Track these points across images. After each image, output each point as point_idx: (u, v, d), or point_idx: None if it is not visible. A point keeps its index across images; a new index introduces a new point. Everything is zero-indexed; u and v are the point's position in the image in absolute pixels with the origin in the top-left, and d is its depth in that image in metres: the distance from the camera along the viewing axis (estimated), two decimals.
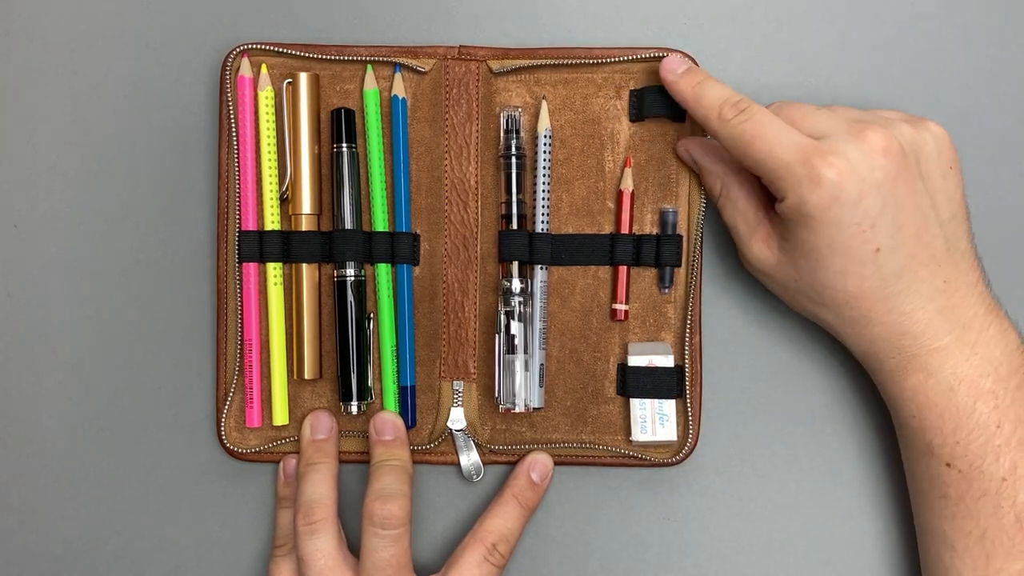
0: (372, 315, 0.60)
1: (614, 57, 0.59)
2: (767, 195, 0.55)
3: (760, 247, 0.55)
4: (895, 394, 0.54)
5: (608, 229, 0.60)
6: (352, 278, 0.59)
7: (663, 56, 0.58)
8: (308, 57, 0.59)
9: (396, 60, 0.59)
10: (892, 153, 0.51)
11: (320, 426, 0.59)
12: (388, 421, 0.59)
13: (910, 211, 0.51)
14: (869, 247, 0.51)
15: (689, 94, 0.56)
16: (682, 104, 0.56)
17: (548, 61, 0.59)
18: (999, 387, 0.52)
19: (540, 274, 0.59)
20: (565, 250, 0.60)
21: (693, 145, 0.58)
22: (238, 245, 0.59)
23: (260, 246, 0.59)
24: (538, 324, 0.59)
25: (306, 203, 0.59)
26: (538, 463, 0.59)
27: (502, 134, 0.59)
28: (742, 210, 0.56)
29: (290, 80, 0.59)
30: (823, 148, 0.51)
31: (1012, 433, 0.51)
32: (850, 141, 0.51)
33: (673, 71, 0.57)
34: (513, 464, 0.60)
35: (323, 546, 0.55)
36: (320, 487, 0.57)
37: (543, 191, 0.59)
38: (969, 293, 0.53)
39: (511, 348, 0.58)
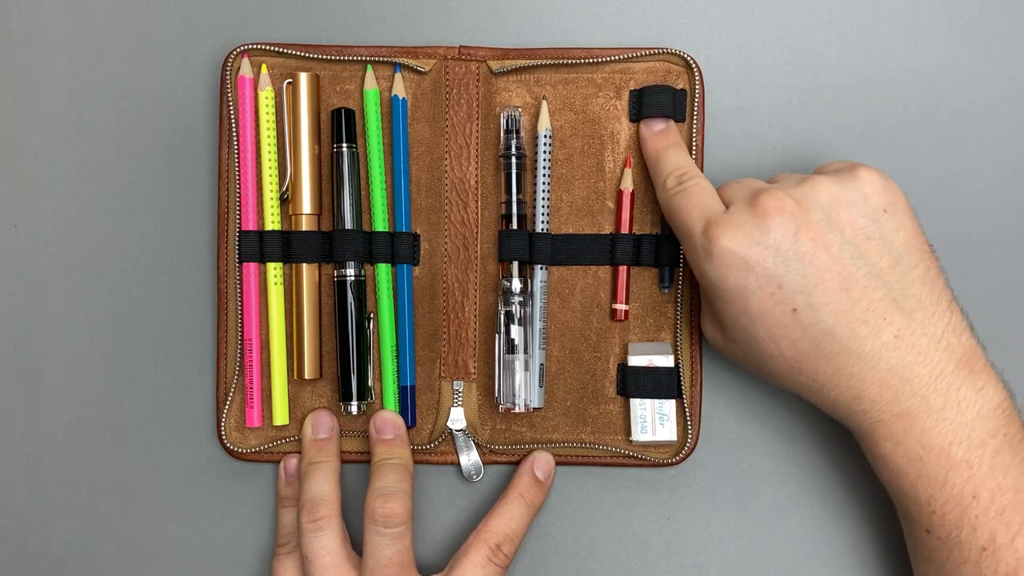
0: (372, 315, 0.60)
1: (614, 57, 0.59)
2: None
3: (708, 327, 0.56)
4: (871, 459, 0.52)
5: (608, 229, 0.60)
6: (352, 278, 0.59)
7: (663, 52, 0.58)
8: (308, 57, 0.59)
9: (396, 60, 0.59)
10: (786, 212, 0.49)
11: (321, 425, 0.59)
12: (388, 420, 0.59)
13: (824, 264, 0.49)
14: (784, 308, 0.49)
15: (652, 155, 0.57)
16: (645, 159, 0.58)
17: (548, 61, 0.59)
18: (973, 455, 0.48)
19: (540, 274, 0.59)
20: (565, 250, 0.60)
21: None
22: (238, 245, 0.59)
23: (260, 246, 0.59)
24: (538, 324, 0.59)
25: (306, 203, 0.59)
26: (540, 461, 0.59)
27: (502, 134, 0.59)
28: (702, 289, 0.55)
29: (290, 80, 0.59)
30: (719, 218, 0.50)
31: (990, 503, 0.48)
32: (744, 208, 0.50)
33: (650, 127, 0.58)
34: (513, 464, 0.60)
35: (328, 543, 0.55)
36: (324, 485, 0.57)
37: (543, 191, 0.59)
38: (931, 348, 0.49)
39: (511, 348, 0.58)
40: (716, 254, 0.50)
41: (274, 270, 0.59)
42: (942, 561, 0.50)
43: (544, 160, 0.59)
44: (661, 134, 0.58)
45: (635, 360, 0.59)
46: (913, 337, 0.49)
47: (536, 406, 0.59)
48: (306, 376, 0.59)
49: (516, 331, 0.58)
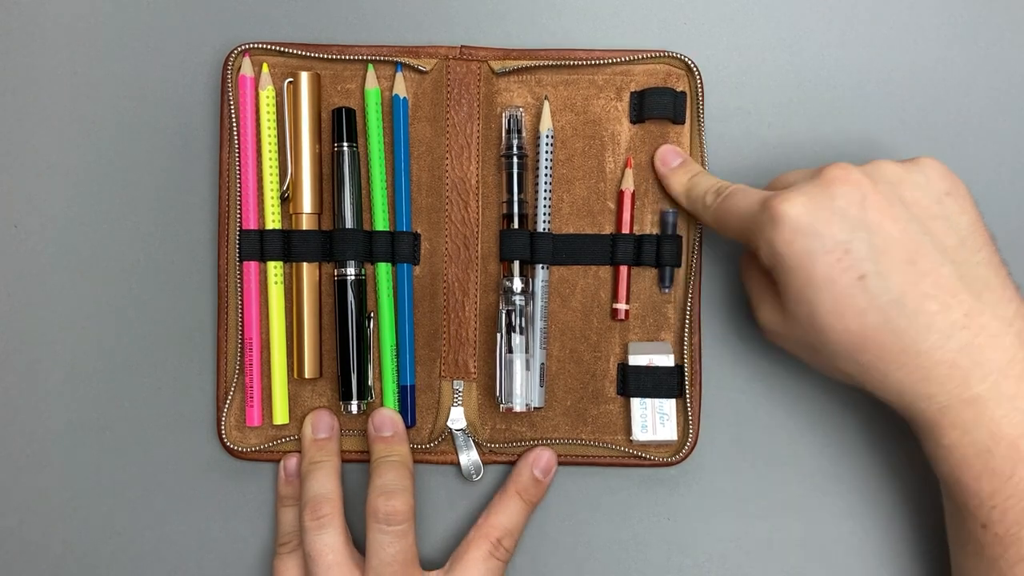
0: (372, 314, 0.60)
1: (615, 59, 0.59)
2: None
3: (768, 312, 0.54)
4: (931, 451, 0.50)
5: (609, 229, 0.60)
6: (352, 277, 0.59)
7: (664, 55, 0.58)
8: (309, 56, 0.59)
9: (397, 60, 0.59)
10: (852, 181, 0.49)
11: (322, 425, 0.59)
12: (387, 417, 0.59)
13: (891, 235, 0.48)
14: (851, 275, 0.47)
15: (681, 191, 0.57)
16: (674, 198, 0.58)
17: (549, 62, 0.59)
18: None
19: (541, 274, 0.59)
20: (566, 250, 0.60)
21: (746, 262, 0.58)
22: (239, 244, 0.59)
23: (261, 245, 0.59)
24: (539, 323, 0.59)
25: (307, 202, 0.59)
26: (542, 459, 0.59)
27: (504, 134, 0.59)
28: (754, 279, 0.55)
29: (291, 79, 0.59)
30: (783, 193, 0.50)
31: None
32: (808, 180, 0.50)
33: (667, 164, 0.58)
34: (513, 464, 0.60)
35: (331, 541, 0.55)
36: (326, 483, 0.57)
37: (544, 191, 0.59)
38: (1002, 331, 0.47)
39: (511, 347, 0.58)
40: (781, 220, 0.48)
41: (274, 269, 0.59)
42: (995, 558, 0.48)
43: (546, 160, 0.59)
44: (682, 168, 0.58)
45: (635, 360, 0.59)
46: (983, 318, 0.47)
47: (536, 406, 0.59)
48: (306, 375, 0.59)
49: (517, 331, 0.58)
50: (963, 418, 0.47)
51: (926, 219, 0.49)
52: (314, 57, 0.59)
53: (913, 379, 0.48)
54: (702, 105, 0.59)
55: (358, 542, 0.58)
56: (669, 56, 0.59)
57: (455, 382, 0.60)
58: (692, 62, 0.59)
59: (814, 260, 0.48)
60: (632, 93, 0.59)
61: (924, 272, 0.47)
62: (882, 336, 0.48)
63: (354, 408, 0.59)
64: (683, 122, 0.59)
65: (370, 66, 0.60)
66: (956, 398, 0.47)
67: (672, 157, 0.58)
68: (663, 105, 0.59)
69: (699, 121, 0.59)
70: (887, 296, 0.47)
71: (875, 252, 0.47)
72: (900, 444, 0.60)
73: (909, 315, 0.47)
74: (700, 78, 0.59)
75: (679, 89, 0.59)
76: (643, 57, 0.59)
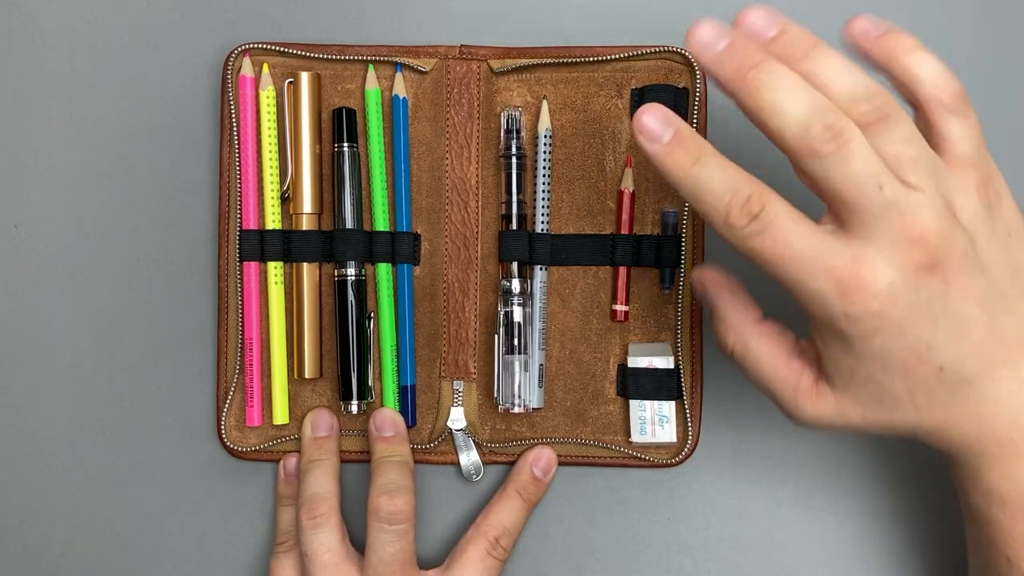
0: (372, 314, 0.60)
1: (615, 56, 0.59)
2: (793, 337, 0.48)
3: (811, 402, 0.46)
4: (966, 487, 0.48)
5: (609, 229, 0.60)
6: (353, 277, 0.59)
7: (665, 51, 0.58)
8: (309, 57, 0.59)
9: (397, 60, 0.59)
10: (938, 265, 0.42)
11: (321, 424, 0.59)
12: (388, 417, 0.59)
13: (971, 316, 0.43)
14: (930, 367, 0.44)
15: (685, 182, 0.42)
16: (675, 188, 0.43)
17: (549, 60, 0.59)
18: None
19: (540, 274, 0.59)
20: (565, 250, 0.60)
21: (710, 278, 0.49)
22: (239, 244, 0.59)
23: (261, 245, 0.59)
24: (537, 324, 0.59)
25: (307, 202, 0.59)
26: (542, 458, 0.59)
27: (503, 134, 0.59)
28: (770, 366, 0.47)
29: (291, 80, 0.59)
30: (860, 278, 0.42)
31: None
32: (884, 247, 0.42)
33: (655, 138, 0.42)
34: (513, 464, 0.60)
35: (327, 540, 0.55)
36: (323, 482, 0.57)
37: (543, 191, 0.59)
38: None
39: (510, 348, 0.58)
40: (862, 319, 0.42)
41: (275, 269, 0.59)
42: None
43: (544, 160, 0.59)
44: (677, 146, 0.42)
45: (635, 361, 0.59)
46: None
47: (535, 406, 0.59)
48: (306, 375, 0.59)
49: (515, 331, 0.58)
50: (1014, 470, 0.45)
51: (998, 275, 0.44)
52: (314, 57, 0.59)
53: (968, 438, 0.46)
54: (704, 101, 0.59)
55: (357, 541, 0.58)
56: (670, 52, 0.59)
57: (455, 382, 0.60)
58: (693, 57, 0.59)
59: (891, 354, 0.43)
60: (633, 90, 0.59)
61: (998, 342, 0.44)
62: (947, 408, 0.45)
63: (354, 408, 0.59)
64: (685, 119, 0.59)
65: (370, 66, 0.60)
66: (1012, 451, 0.45)
67: (659, 128, 0.42)
68: (664, 102, 0.57)
69: (703, 116, 0.59)
70: (961, 379, 0.44)
71: (955, 340, 0.43)
72: (900, 444, 0.59)
73: (979, 389, 0.45)
74: (703, 73, 0.59)
75: (680, 85, 0.59)
76: (644, 53, 0.59)
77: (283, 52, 0.59)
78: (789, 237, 0.42)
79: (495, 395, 0.59)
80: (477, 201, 0.59)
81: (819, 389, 0.46)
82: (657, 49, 0.59)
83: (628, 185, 0.59)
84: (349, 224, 0.59)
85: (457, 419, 0.60)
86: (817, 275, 0.42)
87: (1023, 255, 0.46)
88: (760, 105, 0.42)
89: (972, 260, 0.43)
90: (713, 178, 0.42)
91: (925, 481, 0.60)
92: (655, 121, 0.42)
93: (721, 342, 0.49)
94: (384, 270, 0.59)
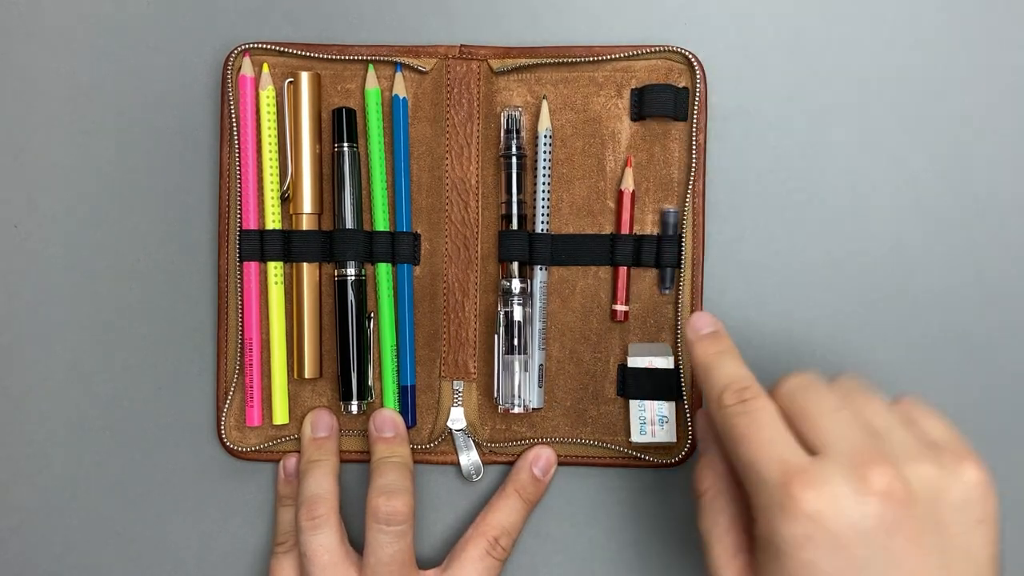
0: (372, 314, 0.60)
1: (615, 55, 0.59)
2: (751, 536, 0.48)
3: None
4: None
5: (609, 229, 0.60)
6: (353, 277, 0.59)
7: (665, 50, 0.58)
8: (309, 56, 0.59)
9: (397, 59, 0.59)
10: (895, 500, 0.42)
11: (321, 424, 0.59)
12: (388, 418, 0.59)
13: (909, 570, 0.42)
14: None
15: (702, 363, 0.50)
16: (692, 367, 0.51)
17: (549, 60, 0.59)
18: None
19: (540, 275, 0.59)
20: (565, 250, 0.60)
21: (709, 423, 0.51)
22: (239, 244, 0.59)
23: (261, 245, 0.59)
24: (537, 324, 0.59)
25: (307, 202, 0.59)
26: (541, 458, 0.59)
27: (502, 134, 0.59)
28: (723, 526, 0.48)
29: (291, 79, 0.59)
30: (809, 473, 0.42)
31: None
32: (845, 470, 0.43)
33: (696, 330, 0.51)
34: (513, 464, 0.60)
35: (326, 541, 0.55)
36: (322, 483, 0.57)
37: (543, 191, 0.59)
38: None
39: (510, 348, 0.58)
40: (798, 518, 0.42)
41: (275, 269, 0.59)
42: None
43: (544, 160, 0.59)
44: (711, 339, 0.50)
45: (635, 361, 0.59)
46: None
47: (535, 406, 0.59)
48: (306, 375, 0.59)
49: (516, 331, 0.58)
50: None
51: (949, 549, 0.43)
52: (314, 57, 0.59)
53: None
54: (704, 101, 0.59)
55: (356, 541, 0.58)
56: (670, 51, 0.59)
57: (455, 382, 0.60)
58: (694, 56, 0.59)
59: (817, 572, 0.42)
60: (632, 90, 0.59)
61: None
62: None
63: (354, 408, 0.59)
64: (684, 119, 0.59)
65: (370, 66, 0.60)
66: None
67: (704, 324, 0.51)
68: (664, 101, 0.58)
69: (703, 115, 0.59)
70: None
71: None
72: None
73: None
74: (703, 72, 0.59)
75: (681, 85, 0.59)
76: (644, 52, 0.59)
77: (283, 52, 0.59)
78: (763, 425, 0.45)
79: (495, 395, 0.59)
80: (477, 201, 0.59)
81: (748, 567, 0.47)
82: (657, 49, 0.59)
83: (628, 185, 0.59)
84: (349, 224, 0.59)
85: (457, 419, 0.60)
86: (771, 462, 0.44)
87: (985, 551, 0.44)
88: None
89: (926, 518, 0.43)
90: (725, 367, 0.49)
91: None
92: (703, 320, 0.52)
93: (697, 478, 0.50)
94: (384, 270, 0.59)
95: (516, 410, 0.58)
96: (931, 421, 0.47)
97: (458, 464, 0.60)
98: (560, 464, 0.60)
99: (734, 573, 0.47)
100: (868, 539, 0.42)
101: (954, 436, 0.47)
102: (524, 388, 0.58)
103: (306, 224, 0.59)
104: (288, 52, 0.59)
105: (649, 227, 0.60)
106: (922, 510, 0.43)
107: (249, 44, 0.59)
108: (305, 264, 0.59)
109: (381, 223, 0.59)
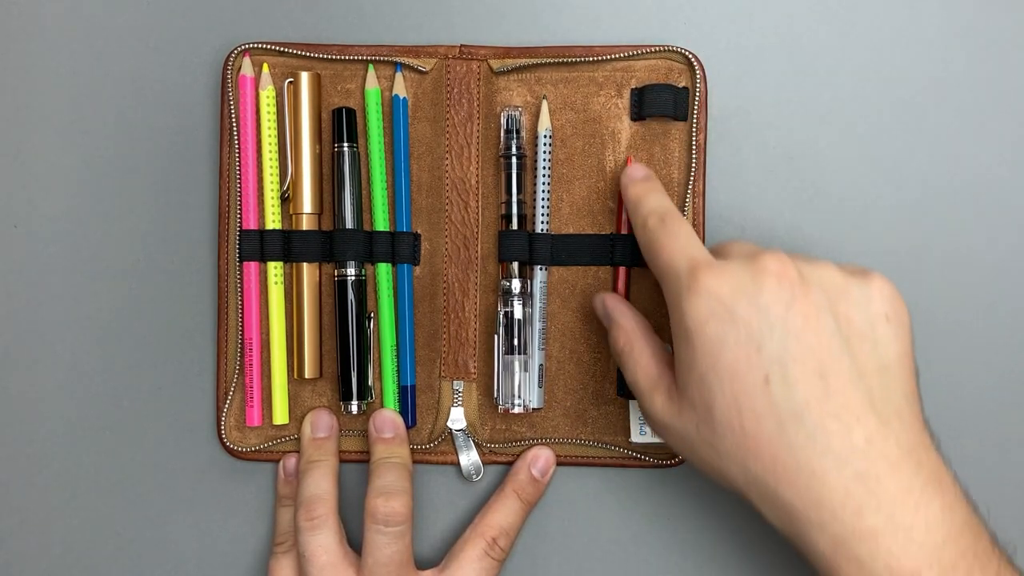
0: (372, 314, 0.60)
1: (615, 55, 0.59)
2: (670, 356, 0.52)
3: (662, 399, 0.50)
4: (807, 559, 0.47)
5: (609, 229, 0.60)
6: (353, 277, 0.59)
7: (665, 50, 0.58)
8: (309, 56, 0.59)
9: (397, 59, 0.59)
10: (786, 278, 0.46)
11: (320, 424, 0.59)
12: (388, 419, 0.59)
13: (808, 344, 0.45)
14: (756, 373, 0.45)
15: (632, 199, 0.55)
16: (627, 211, 0.56)
17: (549, 60, 0.59)
18: None
19: (540, 275, 0.59)
20: (565, 250, 0.60)
21: (609, 298, 0.57)
22: (239, 244, 0.59)
23: (261, 245, 0.59)
24: (537, 324, 0.59)
25: (307, 202, 0.59)
26: (540, 459, 0.59)
27: (502, 134, 0.59)
28: (644, 366, 0.52)
29: (291, 79, 0.59)
30: (713, 265, 0.48)
31: None
32: (742, 262, 0.47)
33: (631, 177, 0.56)
34: (513, 464, 0.60)
35: (325, 542, 0.55)
36: (322, 483, 0.57)
37: (543, 191, 0.59)
38: (902, 459, 0.45)
39: (510, 348, 0.58)
40: (701, 295, 0.47)
41: (275, 269, 0.59)
42: None
43: (544, 160, 0.59)
44: (644, 182, 0.56)
45: None
46: (884, 445, 0.45)
47: (535, 406, 0.59)
48: (306, 375, 0.59)
49: (516, 331, 0.58)
50: (859, 553, 0.44)
51: (853, 338, 0.47)
52: (314, 57, 0.59)
53: (804, 502, 0.45)
54: (704, 100, 0.59)
55: (355, 541, 0.58)
56: (670, 51, 0.59)
57: (455, 382, 0.60)
58: (694, 56, 0.59)
59: (723, 347, 0.46)
60: (632, 90, 0.59)
61: (833, 390, 0.45)
62: (776, 447, 0.45)
63: (354, 408, 0.59)
64: (684, 118, 0.59)
65: (370, 66, 0.60)
66: (851, 529, 0.44)
67: (639, 171, 0.57)
68: (664, 101, 0.58)
69: (703, 115, 0.59)
70: (788, 405, 0.45)
71: (787, 357, 0.45)
72: None
73: (808, 431, 0.45)
74: (703, 72, 0.59)
75: (681, 84, 0.59)
76: (644, 52, 0.59)
77: (283, 52, 0.59)
78: (681, 236, 0.51)
79: (495, 395, 0.59)
80: (477, 201, 0.59)
81: (670, 394, 0.50)
82: (657, 49, 0.59)
83: None
84: (349, 224, 0.59)
85: (457, 419, 0.60)
86: (682, 259, 0.49)
87: (893, 346, 0.47)
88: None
89: (820, 302, 0.46)
90: (651, 200, 0.54)
91: None
92: (637, 169, 0.57)
93: (613, 343, 0.54)
94: (384, 270, 0.59)
95: (516, 410, 0.58)
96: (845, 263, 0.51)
97: (458, 464, 0.60)
98: (560, 464, 0.60)
99: (660, 392, 0.51)
100: (763, 312, 0.46)
101: (864, 267, 0.50)
102: (524, 388, 0.58)
103: (306, 224, 0.59)
104: (288, 52, 0.59)
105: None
106: (818, 296, 0.46)
107: (249, 44, 0.59)
108: (305, 264, 0.59)
109: (381, 223, 0.59)
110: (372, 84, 0.59)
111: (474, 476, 0.60)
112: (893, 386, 0.47)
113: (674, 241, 0.50)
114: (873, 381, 0.46)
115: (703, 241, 0.59)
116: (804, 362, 0.45)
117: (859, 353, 0.46)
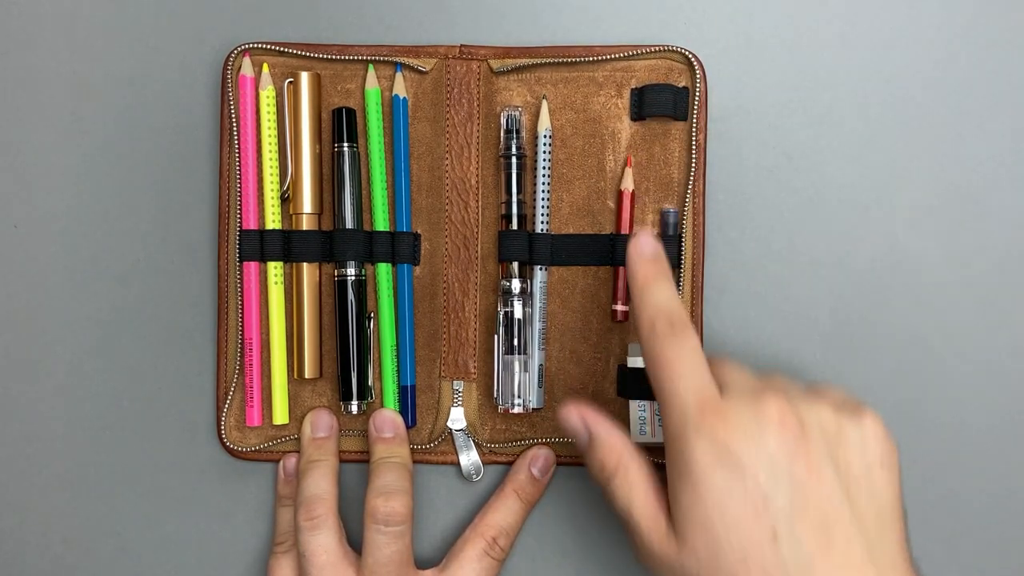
0: (372, 314, 0.60)
1: (615, 55, 0.59)
2: (661, 483, 0.50)
3: (660, 536, 0.48)
4: None
5: (609, 229, 0.60)
6: (353, 277, 0.59)
7: (665, 50, 0.58)
8: (309, 56, 0.59)
9: (397, 59, 0.59)
10: (789, 427, 0.46)
11: (320, 424, 0.59)
12: (388, 418, 0.59)
13: (812, 497, 0.45)
14: (764, 528, 0.45)
15: (640, 282, 0.52)
16: (630, 287, 0.52)
17: (549, 60, 0.59)
18: None
19: (540, 275, 0.59)
20: (565, 250, 0.60)
21: (588, 411, 0.52)
22: (239, 244, 0.59)
23: (261, 245, 0.59)
24: (537, 324, 0.59)
25: (307, 202, 0.59)
26: (540, 458, 0.59)
27: (502, 134, 0.59)
28: (641, 495, 0.49)
29: (291, 79, 0.59)
30: (718, 404, 0.47)
31: None
32: (746, 405, 0.47)
33: (640, 252, 0.52)
34: (513, 464, 0.60)
35: (325, 542, 0.55)
36: (321, 483, 0.57)
37: (543, 191, 0.59)
38: None
39: (510, 348, 0.58)
40: (708, 440, 0.46)
41: (275, 269, 0.59)
42: None
43: (544, 160, 0.59)
44: (652, 262, 0.52)
45: (635, 361, 0.59)
46: None
47: (535, 406, 0.59)
48: (306, 375, 0.59)
49: (515, 331, 0.58)
50: None
51: (851, 485, 0.47)
52: (314, 57, 0.59)
53: None
54: (704, 100, 0.59)
55: (355, 541, 0.58)
56: (670, 50, 0.59)
57: (455, 382, 0.60)
58: (694, 55, 0.59)
59: (730, 499, 0.45)
60: (632, 90, 0.59)
61: (836, 542, 0.45)
62: None
63: (354, 408, 0.59)
64: (684, 118, 0.59)
65: (370, 66, 0.60)
66: None
67: (649, 246, 0.53)
68: (664, 101, 0.58)
69: (703, 115, 0.59)
70: (796, 560, 0.45)
71: (793, 511, 0.45)
72: (900, 442, 0.59)
73: None
74: (703, 72, 0.59)
75: (681, 84, 0.59)
76: (644, 52, 0.59)
77: (283, 52, 0.59)
78: (687, 358, 0.48)
79: (495, 395, 0.59)
80: (477, 201, 0.59)
81: (669, 533, 0.48)
82: (657, 48, 0.59)
83: (628, 185, 0.59)
84: (349, 224, 0.59)
85: (457, 419, 0.60)
86: (688, 391, 0.47)
87: (887, 491, 0.47)
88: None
89: (820, 450, 0.46)
90: (661, 293, 0.51)
91: (923, 478, 0.59)
92: (647, 242, 0.52)
93: (599, 465, 0.51)
94: (384, 270, 0.59)
95: (516, 410, 0.58)
96: (834, 390, 0.50)
97: (458, 464, 0.60)
98: (560, 464, 0.60)
99: (660, 533, 0.48)
100: (771, 464, 0.45)
101: (853, 397, 0.50)
102: (524, 388, 0.58)
103: (306, 224, 0.59)
104: (288, 52, 0.59)
105: (649, 227, 0.60)
106: (817, 444, 0.46)
107: (249, 44, 0.59)
108: (305, 264, 0.59)
109: (381, 223, 0.59)
110: (372, 84, 0.59)
111: (474, 476, 0.60)
112: (887, 534, 0.47)
113: (681, 365, 0.48)
114: (871, 529, 0.46)
115: (703, 241, 0.59)
116: (809, 513, 0.45)
117: (857, 500, 0.46)
